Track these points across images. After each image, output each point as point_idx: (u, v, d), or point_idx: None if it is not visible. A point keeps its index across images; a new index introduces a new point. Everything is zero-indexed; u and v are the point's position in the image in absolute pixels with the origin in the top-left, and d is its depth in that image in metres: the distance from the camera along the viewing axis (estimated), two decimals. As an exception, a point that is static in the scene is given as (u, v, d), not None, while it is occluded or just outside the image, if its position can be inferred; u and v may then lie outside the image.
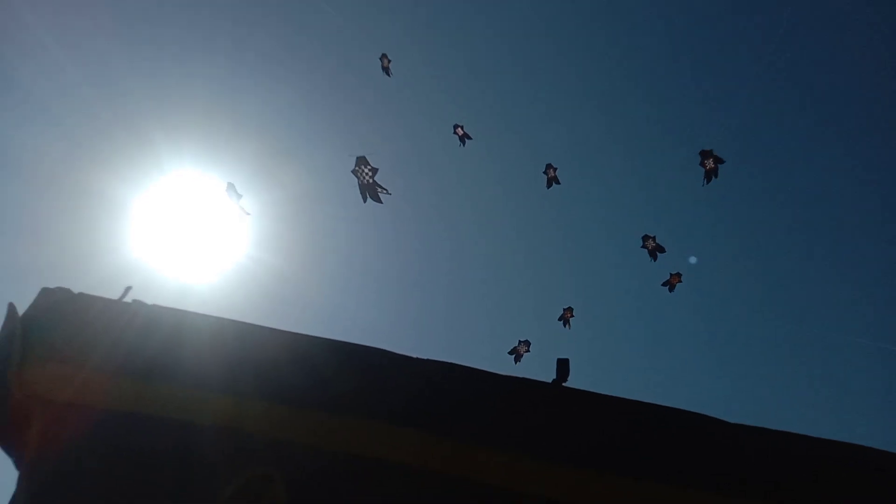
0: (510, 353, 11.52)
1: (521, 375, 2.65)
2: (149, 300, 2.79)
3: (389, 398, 2.54)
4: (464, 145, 11.26)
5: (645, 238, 11.00)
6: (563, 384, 2.64)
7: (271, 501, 2.25)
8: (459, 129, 11.20)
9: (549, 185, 11.02)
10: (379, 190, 9.50)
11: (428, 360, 2.64)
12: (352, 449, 2.41)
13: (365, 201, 9.02)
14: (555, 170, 11.06)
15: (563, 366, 2.64)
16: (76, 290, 2.71)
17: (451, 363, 2.63)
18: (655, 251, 10.92)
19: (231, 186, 8.33)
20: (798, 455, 2.48)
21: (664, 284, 11.31)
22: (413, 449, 2.44)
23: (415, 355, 2.65)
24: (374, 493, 2.35)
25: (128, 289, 2.66)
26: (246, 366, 2.54)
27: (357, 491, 2.34)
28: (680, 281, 11.33)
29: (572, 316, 11.96)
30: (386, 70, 11.10)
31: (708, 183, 10.04)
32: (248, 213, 8.43)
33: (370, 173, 9.44)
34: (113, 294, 2.77)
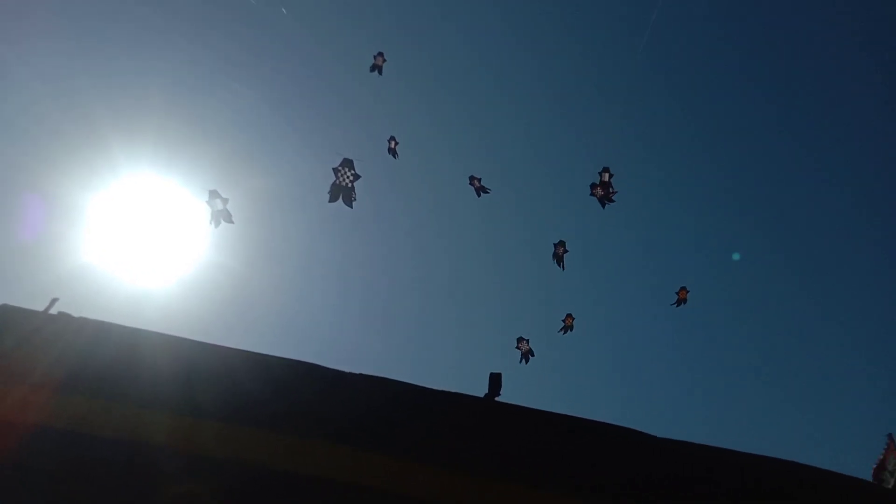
0: (518, 348, 11.29)
1: (454, 390, 2.69)
2: (87, 311, 2.80)
3: (324, 415, 2.56)
4: (395, 157, 11.49)
5: (556, 245, 11.24)
6: (496, 398, 2.68)
7: None
8: (393, 141, 11.40)
9: (478, 194, 11.23)
10: (353, 197, 9.58)
11: (361, 375, 2.67)
12: (285, 466, 2.43)
13: (331, 201, 9.11)
14: (479, 180, 11.26)
15: (495, 380, 2.67)
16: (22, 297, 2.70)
17: (383, 378, 2.66)
18: (561, 258, 11.03)
19: (214, 193, 8.36)
20: (723, 467, 2.53)
21: (676, 304, 11.38)
22: (347, 465, 2.47)
23: (348, 370, 2.68)
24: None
25: (53, 300, 2.65)
26: (181, 383, 2.56)
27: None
28: (687, 293, 11.36)
29: (572, 323, 11.93)
30: (378, 69, 11.19)
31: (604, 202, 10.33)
32: (232, 222, 8.41)
33: (351, 177, 9.51)
34: (64, 305, 2.77)
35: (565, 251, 10.71)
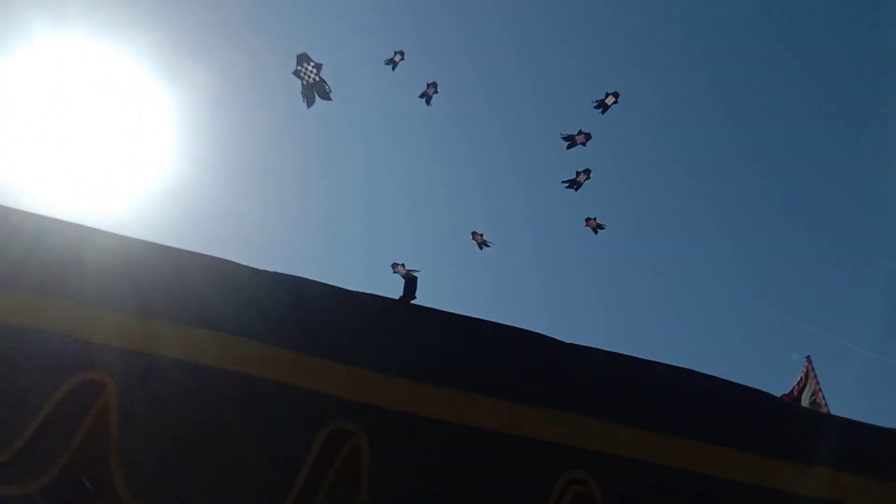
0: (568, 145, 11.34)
1: (370, 292, 2.69)
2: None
3: (235, 310, 2.56)
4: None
5: (395, 265, 11.57)
6: (411, 301, 2.69)
7: (104, 403, 2.31)
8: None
9: (424, 99, 11.12)
10: (326, 88, 9.17)
11: (275, 273, 2.66)
12: (186, 356, 2.45)
13: (310, 106, 8.73)
14: (434, 88, 11.11)
15: (410, 283, 2.67)
16: None
17: (299, 277, 2.65)
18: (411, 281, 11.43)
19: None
20: (624, 374, 2.58)
21: (595, 232, 11.62)
22: (254, 359, 2.49)
23: (264, 268, 2.66)
24: (207, 398, 2.42)
25: None
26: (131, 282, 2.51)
27: (190, 396, 2.41)
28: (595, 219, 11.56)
29: (484, 242, 12.20)
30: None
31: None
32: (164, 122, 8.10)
33: (314, 70, 9.02)
34: None
35: (405, 269, 10.81)
